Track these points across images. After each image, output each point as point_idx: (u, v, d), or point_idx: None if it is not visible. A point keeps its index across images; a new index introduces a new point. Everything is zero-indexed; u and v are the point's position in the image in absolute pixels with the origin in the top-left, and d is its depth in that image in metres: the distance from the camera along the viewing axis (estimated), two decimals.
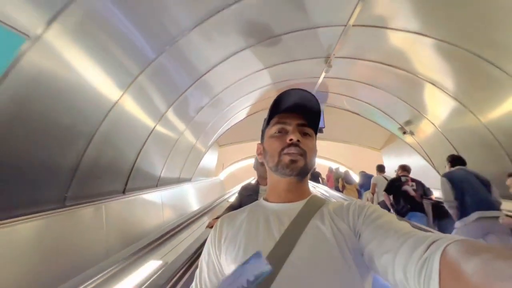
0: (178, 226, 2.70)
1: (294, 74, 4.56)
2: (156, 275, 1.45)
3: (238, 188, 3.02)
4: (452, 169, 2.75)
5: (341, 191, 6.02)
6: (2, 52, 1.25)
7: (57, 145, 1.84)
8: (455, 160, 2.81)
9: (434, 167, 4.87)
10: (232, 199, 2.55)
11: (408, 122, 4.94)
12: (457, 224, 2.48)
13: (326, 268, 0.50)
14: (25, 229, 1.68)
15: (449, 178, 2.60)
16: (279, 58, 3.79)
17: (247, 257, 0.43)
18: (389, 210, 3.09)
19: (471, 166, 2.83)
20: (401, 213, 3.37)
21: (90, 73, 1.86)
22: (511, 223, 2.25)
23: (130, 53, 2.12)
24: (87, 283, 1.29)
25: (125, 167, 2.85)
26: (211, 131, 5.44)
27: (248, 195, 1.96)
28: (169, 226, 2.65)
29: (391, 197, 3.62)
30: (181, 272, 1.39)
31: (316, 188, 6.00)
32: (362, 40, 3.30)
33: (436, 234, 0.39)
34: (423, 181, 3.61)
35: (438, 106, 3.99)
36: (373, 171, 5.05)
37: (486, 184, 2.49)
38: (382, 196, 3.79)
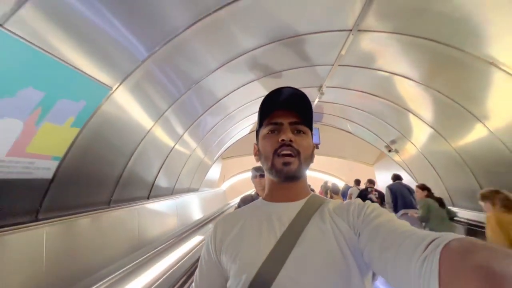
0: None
1: None
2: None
3: (237, 200, 3.36)
4: (392, 182, 4.19)
5: None
6: (95, 98, 1.85)
7: (111, 160, 2.43)
8: (396, 177, 4.30)
9: (416, 181, 5.43)
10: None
11: (393, 142, 5.56)
12: None
13: (326, 267, 0.50)
14: (83, 223, 2.23)
15: (390, 188, 4.10)
16: (281, 86, 4.39)
17: (247, 257, 0.43)
18: None
19: (446, 181, 3.97)
20: None
21: (135, 112, 2.48)
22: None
23: (164, 95, 2.75)
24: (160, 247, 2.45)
25: (150, 179, 3.42)
26: (217, 147, 6.03)
27: None
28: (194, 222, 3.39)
29: None
30: None
31: None
32: (348, 75, 3.97)
33: (435, 232, 0.38)
34: None
35: (419, 132, 4.59)
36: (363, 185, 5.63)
37: (411, 192, 3.94)
38: None
